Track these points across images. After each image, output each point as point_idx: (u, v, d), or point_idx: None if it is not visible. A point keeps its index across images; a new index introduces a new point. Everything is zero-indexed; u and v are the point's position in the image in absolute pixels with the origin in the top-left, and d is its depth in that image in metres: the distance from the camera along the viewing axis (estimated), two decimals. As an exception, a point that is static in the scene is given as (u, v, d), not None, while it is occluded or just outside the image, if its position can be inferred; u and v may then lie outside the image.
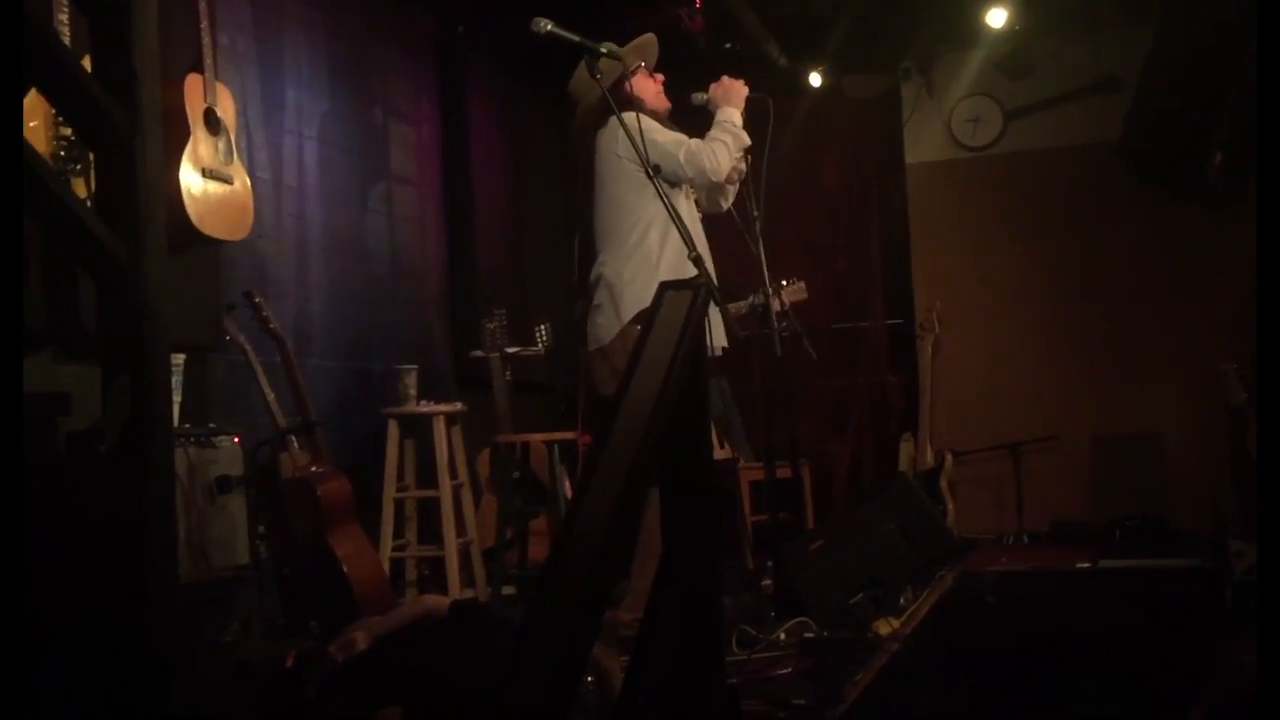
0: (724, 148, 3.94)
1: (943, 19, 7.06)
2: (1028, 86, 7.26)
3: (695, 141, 3.95)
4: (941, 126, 7.44)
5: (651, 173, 3.70)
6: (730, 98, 4.07)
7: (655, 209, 3.87)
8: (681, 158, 3.85)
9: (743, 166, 4.29)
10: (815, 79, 7.48)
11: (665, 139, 3.88)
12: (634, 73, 3.96)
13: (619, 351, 3.84)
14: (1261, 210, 2.26)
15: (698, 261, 3.42)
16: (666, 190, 3.85)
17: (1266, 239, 2.21)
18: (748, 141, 4.05)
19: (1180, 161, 6.47)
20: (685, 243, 3.54)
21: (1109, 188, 6.95)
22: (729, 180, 4.25)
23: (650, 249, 3.85)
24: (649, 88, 4.04)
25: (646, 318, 2.32)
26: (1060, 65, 7.17)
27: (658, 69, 4.23)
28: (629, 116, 3.75)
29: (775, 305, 4.60)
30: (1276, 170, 2.25)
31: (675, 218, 3.68)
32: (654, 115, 3.95)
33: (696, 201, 4.21)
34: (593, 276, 3.97)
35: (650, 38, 4.07)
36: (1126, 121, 6.64)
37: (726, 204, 4.35)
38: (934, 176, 7.46)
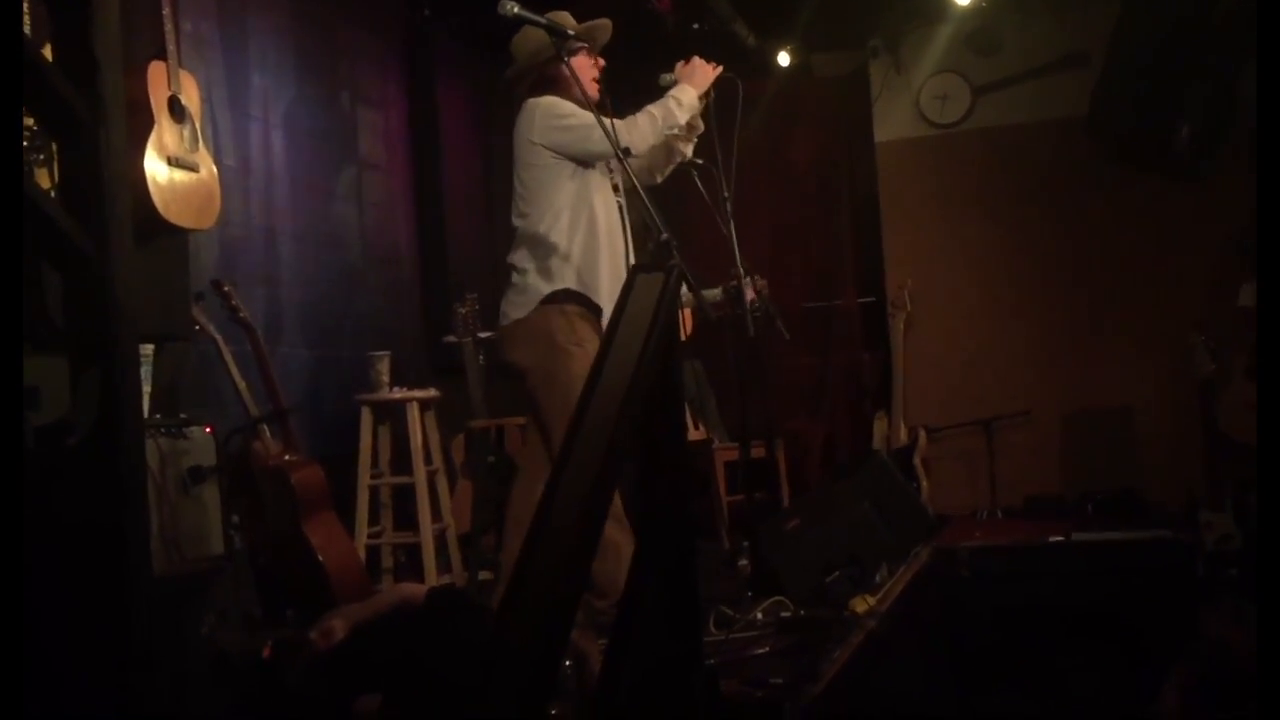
0: (650, 120, 3.88)
1: (910, -4, 7.07)
2: (996, 63, 7.26)
3: (616, 120, 3.90)
4: (910, 104, 7.44)
5: (622, 155, 3.69)
6: (693, 77, 4.03)
7: (568, 193, 3.86)
8: (596, 134, 3.80)
9: (687, 150, 4.25)
10: (784, 58, 7.47)
11: (580, 120, 3.85)
12: (575, 52, 3.93)
13: (531, 326, 3.82)
14: (1261, 203, 2.27)
15: (666, 245, 3.41)
16: (585, 173, 3.86)
17: (1267, 232, 2.22)
18: (679, 121, 3.95)
19: (1147, 136, 6.49)
20: (654, 227, 3.53)
21: (1078, 163, 6.97)
22: (669, 160, 4.23)
23: (561, 232, 3.84)
24: (586, 71, 3.99)
25: (617, 301, 2.31)
26: (1028, 41, 7.18)
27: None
28: (551, 100, 3.82)
29: (749, 292, 4.61)
30: (1276, 162, 2.25)
31: (639, 190, 3.69)
32: (576, 100, 3.90)
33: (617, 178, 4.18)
34: (509, 259, 3.95)
35: (605, 23, 4.03)
36: (1093, 96, 6.67)
37: (660, 178, 4.31)
38: (903, 154, 7.47)
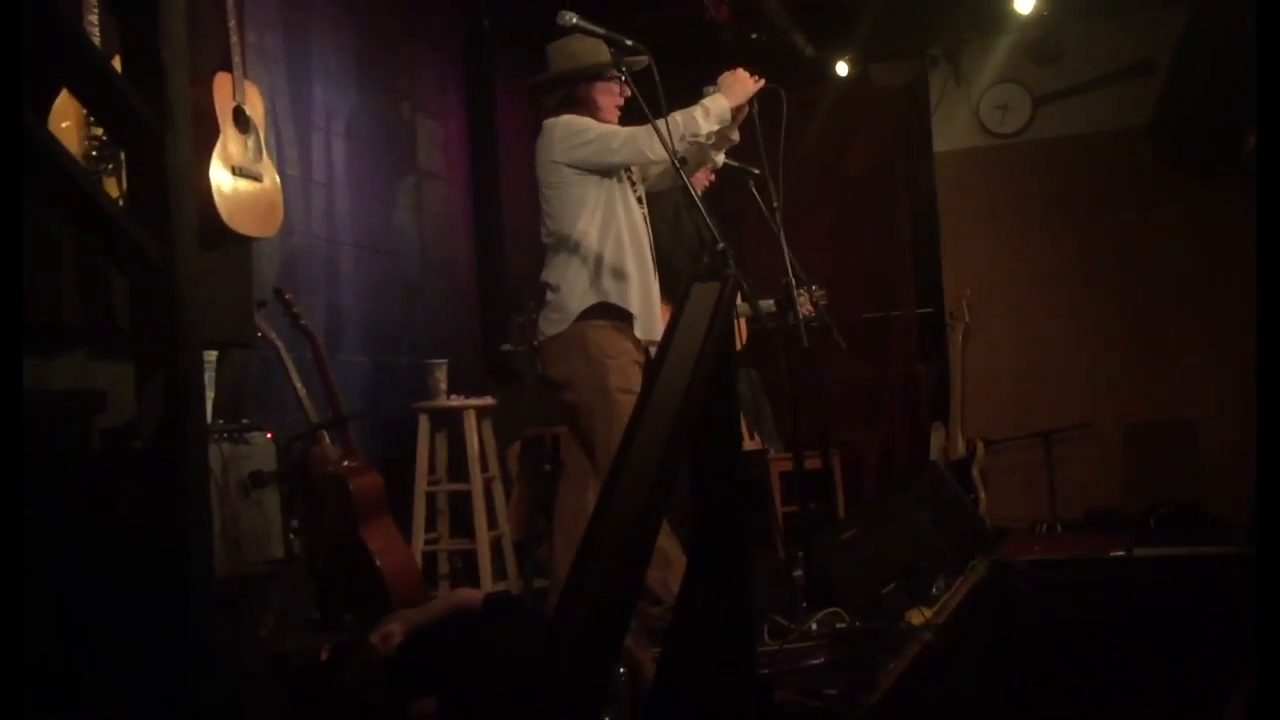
0: (673, 126, 3.85)
1: (970, 5, 7.02)
2: (1057, 72, 7.20)
3: (636, 127, 3.89)
4: (970, 114, 7.39)
5: (677, 164, 3.69)
6: (732, 88, 4.00)
7: (594, 207, 3.88)
8: (615, 144, 3.84)
9: (718, 158, 4.26)
10: (842, 68, 7.45)
11: (598, 132, 3.87)
12: (623, 71, 3.93)
13: (567, 340, 3.85)
14: (1261, 208, 2.24)
15: (722, 254, 3.39)
16: (609, 186, 3.87)
17: (1266, 237, 2.19)
18: (702, 130, 3.91)
19: (1212, 145, 6.41)
20: (710, 233, 3.52)
21: (1139, 173, 6.89)
22: (698, 165, 4.24)
23: (590, 247, 3.87)
24: (612, 97, 4.00)
25: (672, 312, 2.31)
26: (1089, 50, 7.10)
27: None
28: (569, 119, 3.86)
29: (805, 309, 4.59)
30: (1275, 167, 2.23)
31: (694, 199, 3.69)
32: (599, 119, 3.94)
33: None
34: (542, 277, 3.99)
35: (647, 58, 4.02)
36: (1157, 106, 6.59)
37: (688, 179, 4.31)
38: (963, 164, 7.42)
